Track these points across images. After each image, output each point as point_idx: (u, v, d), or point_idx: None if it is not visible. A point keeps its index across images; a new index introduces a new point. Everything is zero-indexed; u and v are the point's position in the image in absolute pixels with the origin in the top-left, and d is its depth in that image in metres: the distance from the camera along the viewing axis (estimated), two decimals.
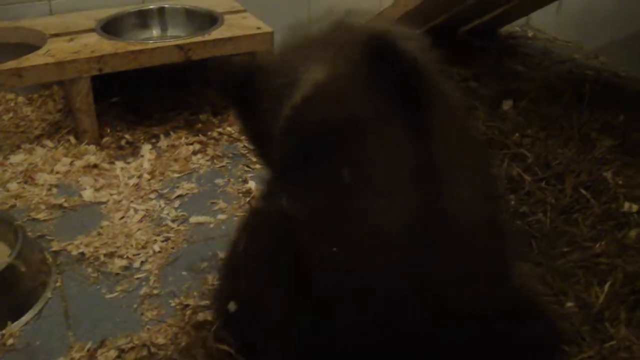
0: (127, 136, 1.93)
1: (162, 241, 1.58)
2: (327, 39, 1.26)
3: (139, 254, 1.54)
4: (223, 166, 1.85)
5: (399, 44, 1.10)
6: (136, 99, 2.05)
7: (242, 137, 1.94)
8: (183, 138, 1.93)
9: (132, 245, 1.56)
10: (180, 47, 1.88)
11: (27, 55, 1.83)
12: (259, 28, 1.97)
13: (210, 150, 1.90)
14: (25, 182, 1.76)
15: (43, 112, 2.05)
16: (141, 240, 1.58)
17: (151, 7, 2.13)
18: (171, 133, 1.95)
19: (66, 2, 2.11)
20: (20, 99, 2.11)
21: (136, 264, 1.52)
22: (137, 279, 1.48)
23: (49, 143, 1.89)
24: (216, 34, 1.93)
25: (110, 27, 2.01)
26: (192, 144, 1.91)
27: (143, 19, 2.12)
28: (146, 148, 1.89)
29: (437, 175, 1.01)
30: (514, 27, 2.59)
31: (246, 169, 1.83)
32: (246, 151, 1.90)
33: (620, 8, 2.31)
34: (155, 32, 2.13)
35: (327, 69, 1.13)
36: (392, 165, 1.03)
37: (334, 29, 1.26)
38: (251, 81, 1.32)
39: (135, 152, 1.89)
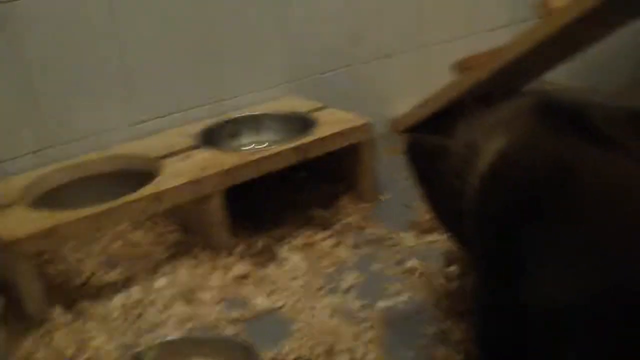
0: (257, 242, 1.94)
1: (369, 329, 1.61)
2: (496, 116, 1.40)
3: (355, 346, 1.55)
4: (367, 254, 1.90)
5: (560, 99, 1.29)
6: (243, 203, 2.06)
7: (365, 225, 2.02)
8: (318, 235, 1.96)
9: (343, 339, 1.57)
10: (296, 148, 1.94)
11: (152, 181, 1.83)
12: (357, 120, 2.07)
13: (347, 242, 1.94)
14: (189, 303, 1.73)
15: (156, 234, 2.01)
16: (349, 331, 1.59)
17: (242, 114, 2.19)
18: (297, 232, 1.98)
19: (146, 125, 2.12)
20: (122, 225, 2.06)
21: (359, 356, 1.53)
22: None
23: (186, 262, 1.87)
24: (323, 131, 2.01)
25: (208, 140, 2.04)
26: (326, 239, 1.95)
27: (234, 127, 2.16)
28: (285, 250, 1.91)
29: None
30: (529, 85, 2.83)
31: (391, 251, 1.89)
32: (377, 235, 1.97)
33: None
34: (247, 139, 2.18)
35: (505, 136, 1.26)
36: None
37: (499, 108, 1.41)
38: (437, 161, 1.42)
39: (274, 256, 1.90)
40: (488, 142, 1.30)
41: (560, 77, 2.77)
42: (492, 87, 2.48)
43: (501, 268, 1.26)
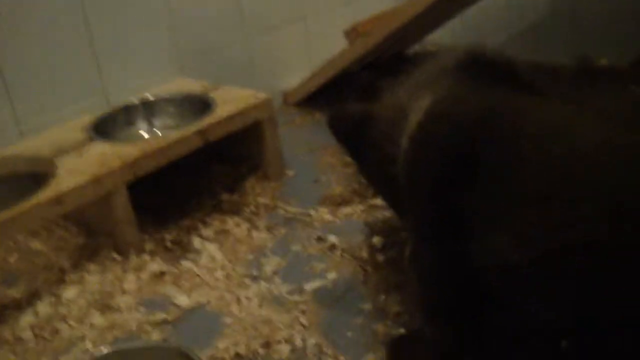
0: (167, 236, 1.83)
1: (302, 315, 1.55)
2: (421, 75, 1.38)
3: (292, 334, 1.50)
4: (284, 235, 1.83)
5: (486, 53, 1.29)
6: (143, 195, 1.93)
7: (277, 205, 1.95)
8: (229, 221, 1.87)
9: (279, 328, 1.51)
10: (199, 132, 1.84)
11: (48, 181, 1.68)
12: (256, 97, 1.98)
13: (261, 224, 1.87)
14: (106, 312, 1.61)
15: (56, 240, 1.86)
16: (282, 320, 1.53)
17: (134, 101, 2.05)
18: (208, 221, 1.89)
19: (34, 121, 1.95)
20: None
21: (298, 343, 1.48)
22: (314, 355, 1.44)
23: (94, 267, 1.74)
24: (224, 111, 1.91)
25: (102, 132, 1.90)
26: (239, 224, 1.87)
27: (128, 115, 2.03)
28: (197, 241, 1.81)
29: None
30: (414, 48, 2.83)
31: (308, 229, 1.83)
32: (290, 214, 1.90)
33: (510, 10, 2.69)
34: (143, 126, 2.05)
35: (429, 95, 1.25)
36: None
37: (423, 70, 1.38)
38: (365, 129, 1.39)
39: (187, 248, 1.80)
40: (415, 102, 1.27)
41: (439, 37, 2.81)
42: (382, 52, 2.47)
43: (441, 230, 1.23)
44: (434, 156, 1.20)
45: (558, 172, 1.08)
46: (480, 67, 1.24)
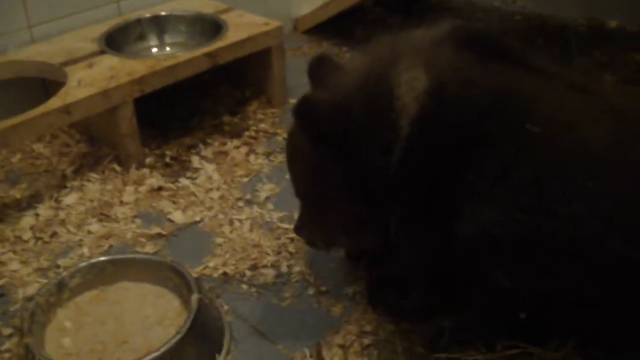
0: (167, 152, 1.89)
1: (289, 242, 1.63)
2: (399, 46, 1.28)
3: (278, 260, 1.58)
4: (281, 162, 1.88)
5: (479, 28, 1.30)
6: (147, 110, 1.97)
7: (277, 131, 1.99)
8: (228, 143, 1.93)
9: (267, 253, 1.59)
10: (208, 54, 1.87)
11: (61, 89, 1.72)
12: (267, 24, 2.00)
13: (259, 149, 1.92)
14: (103, 220, 1.68)
15: (59, 145, 1.92)
16: (270, 245, 1.61)
17: (146, 15, 2.07)
18: (208, 141, 1.94)
19: (46, 27, 1.97)
20: None
21: (284, 269, 1.56)
22: (297, 281, 1.53)
23: (95, 175, 1.80)
24: (235, 35, 1.94)
25: (112, 44, 1.93)
26: (238, 147, 1.93)
27: (139, 29, 2.05)
28: (196, 160, 1.87)
29: None
30: None
31: None
32: None
33: None
34: (153, 41, 2.07)
35: (426, 72, 1.20)
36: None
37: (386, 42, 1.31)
38: (340, 119, 1.25)
39: (185, 166, 1.86)
40: (404, 79, 1.21)
41: None
42: None
43: (436, 207, 1.24)
44: (444, 140, 1.18)
45: (563, 164, 1.13)
46: (472, 42, 1.23)
